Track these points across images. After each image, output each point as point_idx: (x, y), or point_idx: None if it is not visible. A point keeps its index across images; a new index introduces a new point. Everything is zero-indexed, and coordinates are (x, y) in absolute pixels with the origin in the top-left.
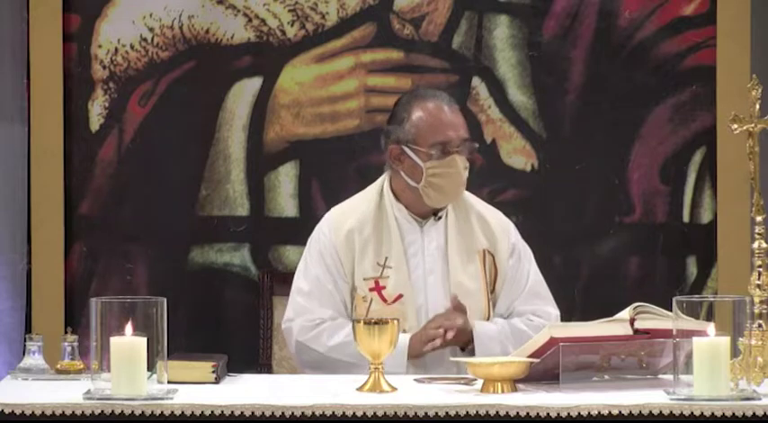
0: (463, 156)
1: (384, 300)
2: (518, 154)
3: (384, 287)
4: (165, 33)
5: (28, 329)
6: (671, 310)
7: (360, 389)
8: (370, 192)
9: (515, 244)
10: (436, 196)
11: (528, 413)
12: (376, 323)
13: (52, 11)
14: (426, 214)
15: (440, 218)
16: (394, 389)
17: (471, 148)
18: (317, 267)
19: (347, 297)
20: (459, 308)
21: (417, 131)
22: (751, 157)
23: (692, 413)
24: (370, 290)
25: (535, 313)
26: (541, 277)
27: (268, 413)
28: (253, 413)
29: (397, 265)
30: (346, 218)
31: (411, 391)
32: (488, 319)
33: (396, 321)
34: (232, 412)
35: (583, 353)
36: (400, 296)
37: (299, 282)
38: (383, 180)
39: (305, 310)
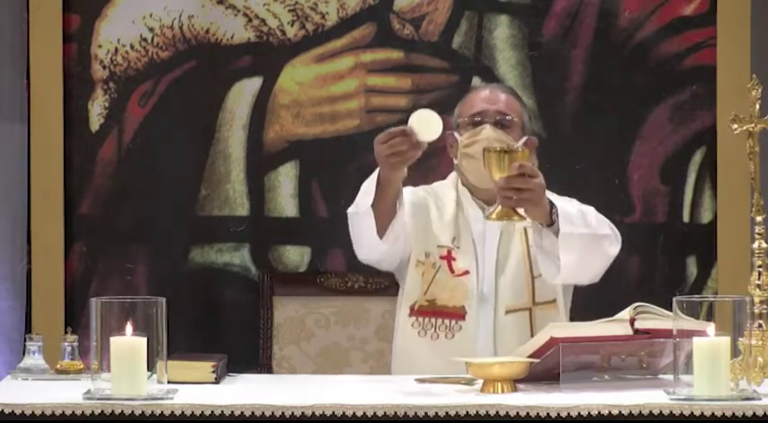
0: (498, 127)
1: (452, 270)
2: None
3: (455, 258)
4: (165, 33)
5: (28, 329)
6: (671, 310)
7: (489, 216)
8: (449, 178)
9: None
10: (468, 168)
11: (528, 413)
12: (505, 152)
13: (52, 11)
14: (491, 200)
15: None
16: (523, 218)
17: (524, 133)
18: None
19: (402, 233)
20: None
21: (460, 110)
22: (751, 157)
23: (692, 413)
24: (441, 258)
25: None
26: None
27: (268, 413)
28: (253, 413)
29: (464, 247)
30: (426, 190)
31: (411, 391)
32: (532, 298)
33: (525, 150)
34: (232, 412)
35: (583, 353)
36: (467, 272)
37: None
38: None
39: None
